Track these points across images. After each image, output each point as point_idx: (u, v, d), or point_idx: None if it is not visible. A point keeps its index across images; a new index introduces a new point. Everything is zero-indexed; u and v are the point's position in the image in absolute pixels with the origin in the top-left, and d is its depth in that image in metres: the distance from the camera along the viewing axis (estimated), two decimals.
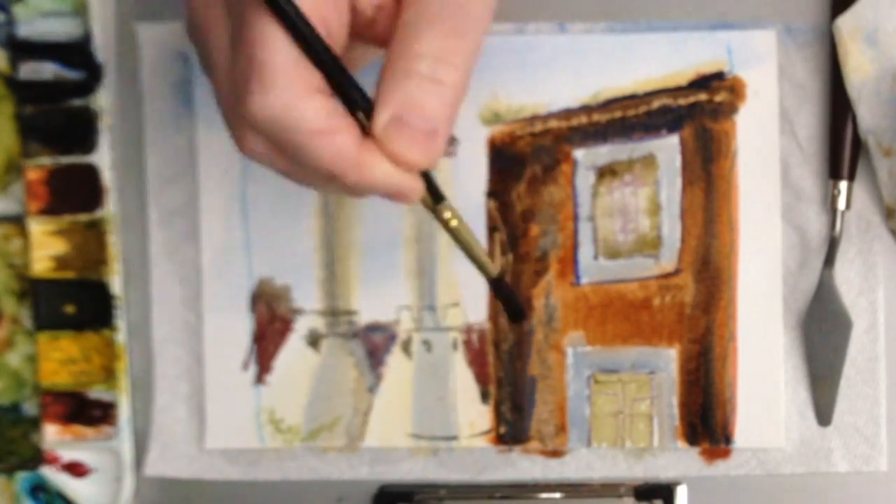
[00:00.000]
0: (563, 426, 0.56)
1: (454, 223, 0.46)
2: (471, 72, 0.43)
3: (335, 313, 0.56)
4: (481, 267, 0.48)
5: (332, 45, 0.41)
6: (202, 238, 0.56)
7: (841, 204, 0.54)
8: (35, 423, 0.57)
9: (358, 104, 0.42)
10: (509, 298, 0.49)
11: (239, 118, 0.42)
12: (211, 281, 0.56)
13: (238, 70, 0.41)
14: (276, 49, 0.40)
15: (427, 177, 0.44)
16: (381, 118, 0.42)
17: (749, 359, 0.55)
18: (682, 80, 0.55)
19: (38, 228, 0.56)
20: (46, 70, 0.56)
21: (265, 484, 0.57)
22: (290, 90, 0.40)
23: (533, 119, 0.55)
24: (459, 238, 0.47)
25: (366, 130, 0.42)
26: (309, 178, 0.44)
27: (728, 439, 0.55)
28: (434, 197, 0.45)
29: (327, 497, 0.57)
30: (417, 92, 0.42)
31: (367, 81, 0.43)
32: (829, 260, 0.54)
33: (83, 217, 0.56)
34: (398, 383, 0.56)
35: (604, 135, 0.55)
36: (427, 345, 0.56)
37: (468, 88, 0.43)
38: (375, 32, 0.44)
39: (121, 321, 0.56)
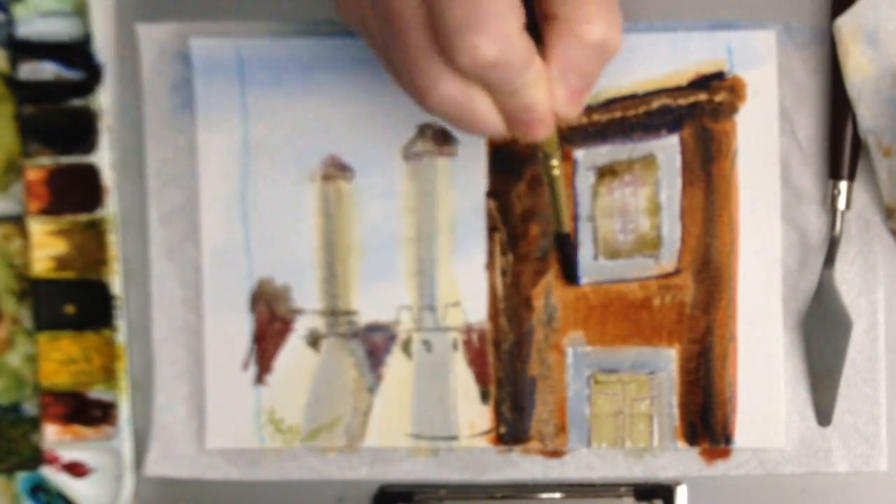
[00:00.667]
0: (563, 426, 0.56)
1: (557, 172, 0.51)
2: (621, 27, 0.45)
3: (335, 313, 0.56)
4: (558, 219, 0.53)
5: None
6: (202, 238, 0.56)
7: (841, 204, 0.54)
8: (35, 423, 0.57)
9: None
10: (567, 257, 0.54)
11: (439, 66, 0.44)
12: (211, 281, 0.56)
13: (448, 17, 0.42)
14: None
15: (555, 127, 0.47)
16: (551, 71, 0.45)
17: (749, 359, 0.55)
18: (682, 80, 0.55)
19: (38, 228, 0.56)
20: (46, 70, 0.56)
21: (265, 484, 0.57)
22: (511, 24, 0.42)
23: None
24: (556, 187, 0.51)
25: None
26: (489, 123, 0.46)
27: (728, 439, 0.55)
28: (554, 142, 0.49)
29: (327, 497, 0.57)
30: (583, 56, 0.45)
31: None
32: (829, 260, 0.54)
33: (83, 217, 0.56)
34: (398, 383, 0.56)
35: (604, 135, 0.55)
36: (427, 345, 0.56)
37: (621, 43, 0.45)
38: None
39: (121, 321, 0.56)
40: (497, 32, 0.42)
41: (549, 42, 0.45)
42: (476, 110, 0.45)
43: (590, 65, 0.45)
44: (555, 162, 0.50)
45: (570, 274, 0.55)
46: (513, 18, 0.43)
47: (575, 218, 0.55)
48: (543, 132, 0.46)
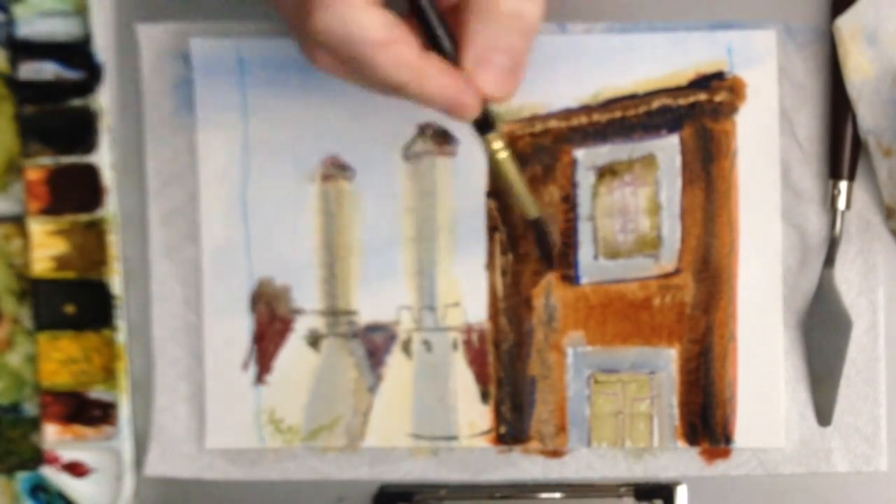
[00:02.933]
0: (563, 426, 0.56)
1: (502, 155, 0.48)
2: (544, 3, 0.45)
3: (335, 313, 0.56)
4: (522, 204, 0.50)
5: None
6: (202, 238, 0.56)
7: (841, 204, 0.54)
8: (35, 423, 0.57)
9: (435, 29, 0.45)
10: (545, 241, 0.53)
11: (306, 35, 0.44)
12: (211, 281, 0.56)
13: None
14: None
15: (485, 107, 0.47)
16: (469, 57, 0.45)
17: (749, 359, 0.55)
18: (682, 80, 0.55)
19: (38, 228, 0.56)
20: (46, 70, 0.56)
21: (265, 484, 0.57)
22: (350, 4, 0.42)
23: (533, 119, 0.55)
24: (504, 171, 0.49)
25: (429, 45, 0.45)
26: (377, 88, 0.46)
27: (728, 439, 0.55)
28: (485, 125, 0.48)
29: (327, 497, 0.57)
30: (502, 32, 0.44)
31: None
32: (829, 260, 0.54)
33: (83, 217, 0.56)
34: (398, 383, 0.56)
35: (604, 135, 0.55)
36: (427, 345, 0.56)
37: (544, 16, 0.45)
38: None
39: (121, 321, 0.56)
40: (338, 9, 0.42)
41: (464, 26, 0.45)
42: (361, 81, 0.45)
43: (511, 40, 0.45)
44: (497, 144, 0.49)
45: (547, 258, 0.54)
46: None
47: (574, 218, 0.55)
48: (463, 113, 0.46)
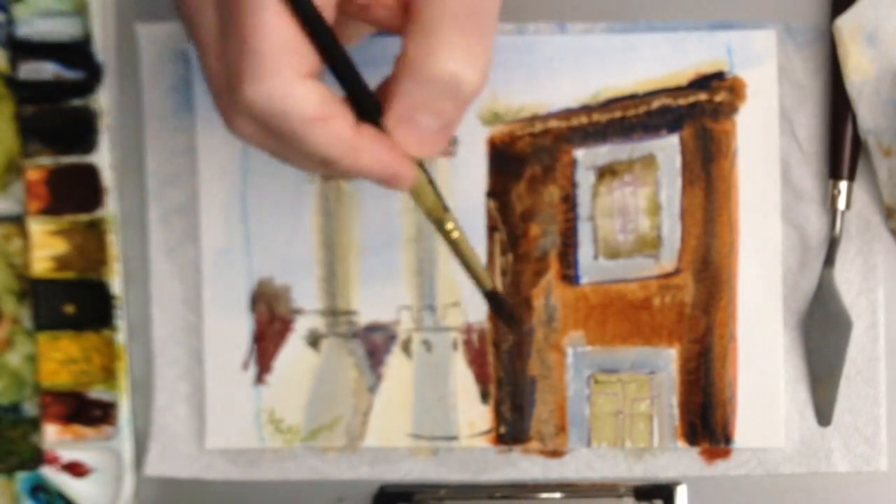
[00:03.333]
0: (563, 426, 0.56)
1: (455, 234, 0.47)
2: (488, 68, 0.42)
3: (335, 313, 0.56)
4: (477, 279, 0.49)
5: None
6: (202, 238, 0.56)
7: (841, 204, 0.54)
8: (35, 423, 0.57)
9: (356, 89, 0.42)
10: (503, 310, 0.51)
11: (230, 100, 0.41)
12: (211, 281, 0.56)
13: (229, 53, 0.40)
14: (268, 32, 0.39)
15: (433, 187, 0.45)
16: (392, 115, 0.42)
17: (749, 359, 0.55)
18: (682, 80, 0.55)
19: (38, 228, 0.56)
20: (46, 70, 0.56)
21: (265, 484, 0.57)
22: (284, 77, 0.40)
23: (533, 119, 0.55)
24: (459, 249, 0.47)
25: (361, 116, 0.42)
26: (301, 161, 0.44)
27: (728, 439, 0.55)
28: (438, 207, 0.46)
29: (327, 497, 0.57)
30: (434, 96, 0.42)
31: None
32: (829, 260, 0.54)
33: (83, 217, 0.56)
34: (398, 383, 0.56)
35: (604, 135, 0.55)
36: (427, 345, 0.56)
37: (484, 85, 0.42)
38: (370, 16, 0.43)
39: (121, 321, 0.56)
40: (271, 83, 0.40)
41: (394, 85, 0.42)
42: (286, 154, 0.43)
43: (442, 103, 0.42)
44: (450, 225, 0.47)
45: (510, 324, 0.54)
46: (288, 70, 0.40)
47: (574, 218, 0.55)
48: (398, 184, 0.44)
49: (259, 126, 0.42)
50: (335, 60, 0.41)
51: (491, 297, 0.50)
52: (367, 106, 0.42)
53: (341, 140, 0.41)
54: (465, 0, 0.41)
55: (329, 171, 0.43)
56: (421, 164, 0.44)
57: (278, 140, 0.42)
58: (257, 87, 0.40)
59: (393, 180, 0.43)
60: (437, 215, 0.46)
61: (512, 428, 0.56)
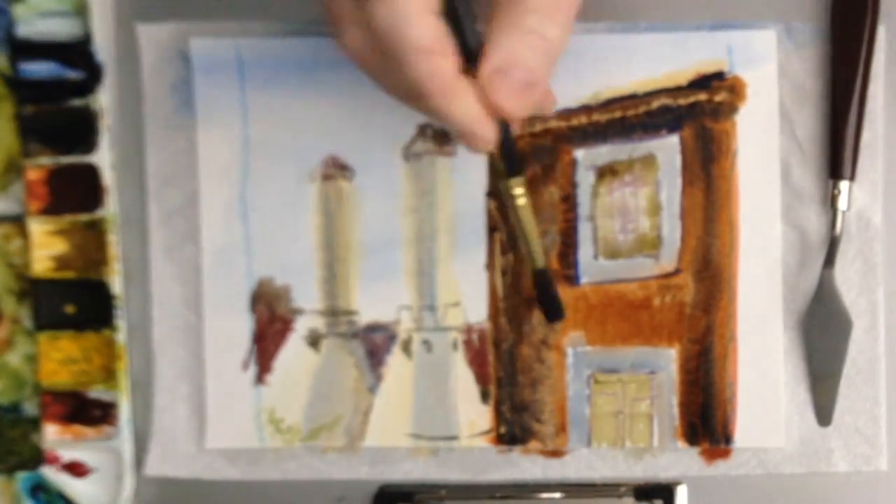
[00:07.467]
0: (564, 426, 0.56)
1: (522, 201, 0.48)
2: (570, 28, 0.45)
3: (335, 313, 0.56)
4: (530, 254, 0.50)
5: None
6: (202, 238, 0.56)
7: (841, 204, 0.54)
8: (35, 423, 0.57)
9: (466, 36, 0.45)
10: (548, 292, 0.51)
11: (348, 14, 0.44)
12: (211, 281, 0.56)
13: None
14: None
15: (508, 148, 0.47)
16: (487, 67, 0.45)
17: (749, 359, 0.55)
18: (682, 80, 0.55)
19: (38, 228, 0.56)
20: (46, 70, 0.56)
21: (265, 484, 0.57)
22: (415, 4, 0.43)
23: (533, 119, 0.55)
24: (522, 216, 0.49)
25: (466, 67, 0.45)
26: (395, 87, 0.46)
27: (728, 439, 0.55)
28: (511, 168, 0.47)
29: (327, 497, 0.57)
30: (522, 46, 0.45)
31: None
32: (829, 260, 0.54)
33: (83, 217, 0.56)
34: (398, 383, 0.56)
35: (604, 135, 0.55)
36: (427, 345, 0.56)
37: (567, 44, 0.45)
38: None
39: (121, 321, 0.56)
40: (403, 6, 0.43)
41: (491, 35, 0.45)
42: (380, 76, 0.46)
43: (529, 55, 0.45)
44: (518, 190, 0.48)
45: (552, 311, 0.52)
46: (420, 1, 0.43)
47: (574, 218, 0.55)
48: (476, 143, 0.46)
49: (369, 43, 0.44)
50: (455, 6, 0.44)
51: (540, 275, 0.50)
52: (471, 54, 0.45)
53: (443, 78, 0.44)
54: None
55: (417, 106, 0.46)
56: (506, 127, 0.46)
57: (383, 61, 0.45)
58: (388, 6, 0.43)
59: (472, 138, 0.46)
60: (506, 179, 0.48)
61: (512, 428, 0.56)
